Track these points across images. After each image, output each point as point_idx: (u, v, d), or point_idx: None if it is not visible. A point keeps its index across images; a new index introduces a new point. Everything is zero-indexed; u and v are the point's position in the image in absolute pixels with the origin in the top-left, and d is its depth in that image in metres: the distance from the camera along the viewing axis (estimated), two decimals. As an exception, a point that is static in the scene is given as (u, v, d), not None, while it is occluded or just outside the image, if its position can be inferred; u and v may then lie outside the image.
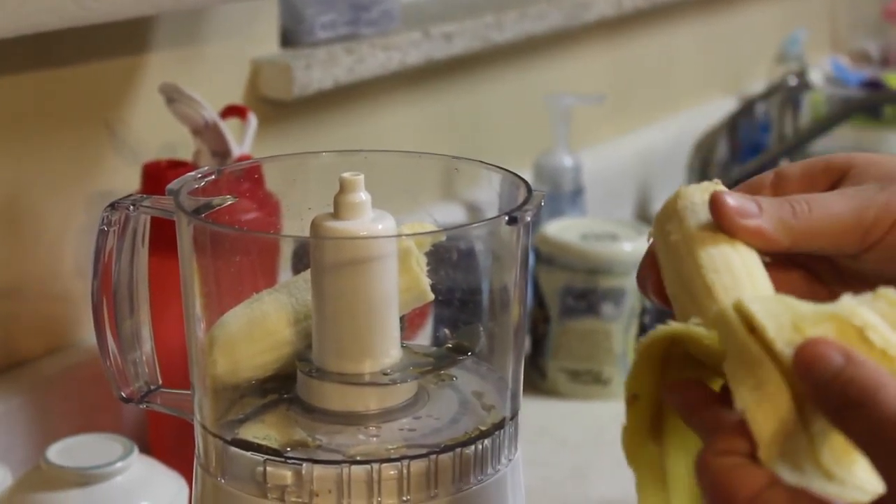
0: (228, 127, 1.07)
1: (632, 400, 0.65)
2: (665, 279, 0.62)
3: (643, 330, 1.30)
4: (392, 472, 0.64)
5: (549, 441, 1.22)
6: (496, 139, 1.60)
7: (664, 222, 0.63)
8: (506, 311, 0.70)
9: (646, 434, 0.66)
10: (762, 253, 0.61)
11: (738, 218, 0.60)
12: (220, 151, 1.07)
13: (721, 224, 0.60)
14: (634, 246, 1.30)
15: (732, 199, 0.60)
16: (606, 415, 1.27)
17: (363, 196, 0.67)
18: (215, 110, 1.07)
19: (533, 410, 1.26)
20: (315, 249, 0.67)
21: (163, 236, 0.73)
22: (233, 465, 0.67)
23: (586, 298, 1.29)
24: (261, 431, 0.66)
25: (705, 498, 0.53)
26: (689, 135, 1.87)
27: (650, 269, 0.64)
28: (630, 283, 1.28)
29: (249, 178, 0.79)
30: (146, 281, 0.73)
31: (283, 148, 1.27)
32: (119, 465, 0.91)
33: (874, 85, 2.15)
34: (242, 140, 1.09)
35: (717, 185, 0.63)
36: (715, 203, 0.60)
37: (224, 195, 0.72)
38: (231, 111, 1.12)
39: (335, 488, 0.64)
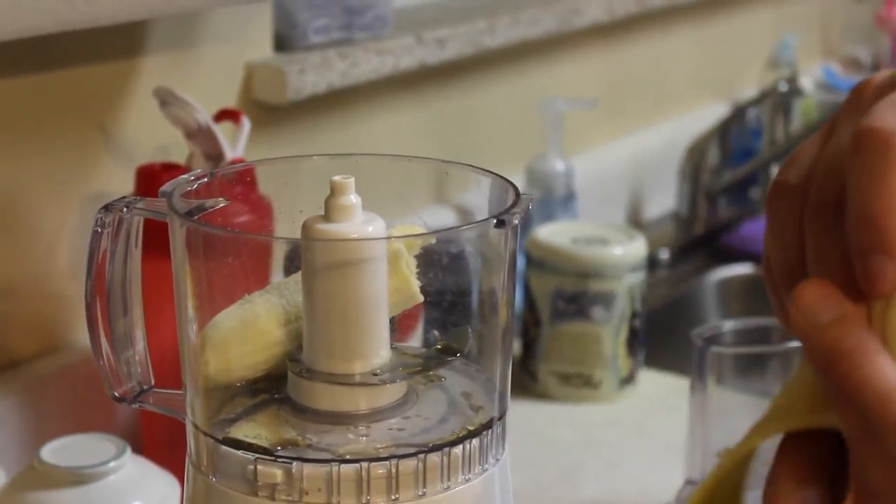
0: (222, 130, 1.08)
1: None
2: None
3: (634, 334, 1.31)
4: (381, 471, 0.65)
5: (539, 443, 1.22)
6: (489, 144, 1.61)
7: None
8: (494, 313, 0.71)
9: None
10: None
11: None
12: (214, 155, 1.07)
13: None
14: (625, 250, 1.31)
15: None
16: (596, 417, 1.28)
17: (353, 199, 0.68)
18: (209, 114, 1.08)
19: (524, 413, 1.27)
20: (306, 251, 0.68)
21: (156, 238, 0.73)
22: (224, 463, 0.67)
23: (577, 302, 1.30)
24: (252, 430, 0.67)
25: None
26: (681, 140, 1.88)
27: None
28: (621, 286, 1.29)
29: (242, 181, 0.80)
30: (139, 282, 0.74)
31: (276, 152, 1.28)
32: (112, 464, 0.92)
33: (865, 91, 2.16)
34: (236, 144, 1.10)
35: None
36: None
37: (217, 198, 0.73)
38: (224, 115, 1.13)
39: (325, 487, 0.65)
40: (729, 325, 1.11)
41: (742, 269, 1.77)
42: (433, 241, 0.71)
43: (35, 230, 1.10)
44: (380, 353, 0.69)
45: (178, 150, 1.10)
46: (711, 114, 1.96)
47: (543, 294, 1.31)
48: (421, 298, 0.71)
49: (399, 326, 0.74)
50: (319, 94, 1.29)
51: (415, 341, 0.77)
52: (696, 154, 1.85)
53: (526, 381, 1.33)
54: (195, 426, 0.69)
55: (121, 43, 1.14)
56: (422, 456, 0.66)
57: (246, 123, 1.12)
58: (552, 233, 1.35)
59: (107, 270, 0.72)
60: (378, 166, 0.82)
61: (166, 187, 0.70)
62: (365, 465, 0.65)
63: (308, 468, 0.65)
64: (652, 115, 1.94)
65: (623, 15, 1.74)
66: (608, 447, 1.23)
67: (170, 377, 0.74)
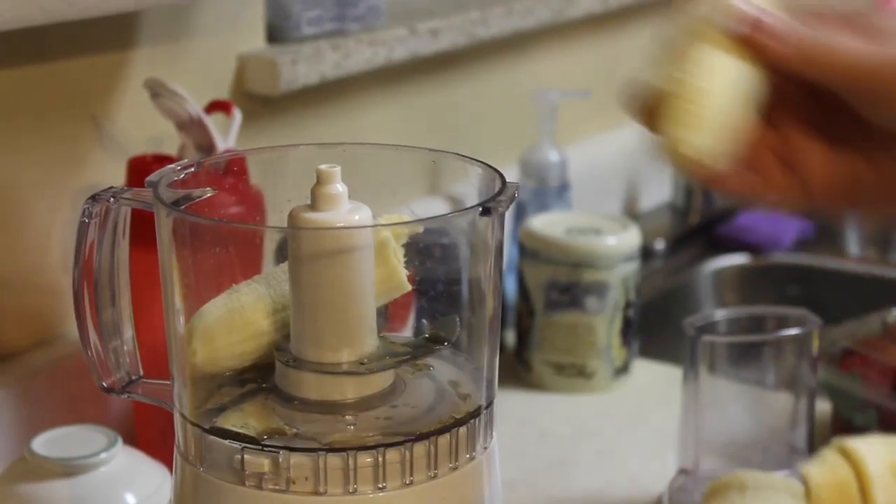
0: (214, 122, 1.08)
1: None
2: None
3: (627, 324, 1.31)
4: (368, 460, 0.65)
5: (532, 433, 1.22)
6: (482, 135, 1.61)
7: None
8: (482, 302, 0.71)
9: None
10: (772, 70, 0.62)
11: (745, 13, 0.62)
12: (205, 146, 1.07)
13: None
14: (618, 240, 1.31)
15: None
16: (589, 408, 1.28)
17: (340, 188, 0.68)
18: (202, 105, 1.08)
19: (517, 403, 1.27)
20: (292, 240, 0.68)
21: (145, 228, 0.73)
22: (211, 453, 0.67)
23: (570, 292, 1.30)
24: (239, 420, 0.67)
25: None
26: (677, 130, 1.87)
27: None
28: (614, 276, 1.29)
29: (230, 170, 0.80)
30: (127, 272, 0.74)
31: (269, 143, 1.28)
32: (103, 455, 0.92)
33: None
34: (227, 135, 1.10)
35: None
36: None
37: (204, 188, 0.73)
38: (216, 106, 1.12)
39: (312, 475, 0.65)
40: (721, 314, 1.11)
41: (738, 259, 1.77)
42: (420, 229, 0.71)
43: (27, 222, 1.10)
44: (367, 342, 0.69)
45: (170, 141, 1.10)
46: (707, 104, 1.95)
47: (537, 284, 1.31)
48: (409, 287, 0.71)
49: (391, 317, 0.74)
50: (312, 85, 1.29)
51: (406, 331, 0.77)
52: (691, 144, 1.84)
53: (520, 372, 1.33)
54: (183, 416, 0.69)
55: (112, 35, 1.14)
56: (408, 444, 0.66)
57: (237, 115, 1.12)
58: (546, 223, 1.35)
59: (94, 261, 0.72)
60: (368, 156, 0.82)
61: (153, 177, 0.70)
62: (352, 453, 0.65)
63: (295, 457, 0.65)
64: (647, 105, 1.93)
65: (616, 6, 1.74)
66: (602, 437, 1.23)
67: (159, 367, 0.75)
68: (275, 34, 1.30)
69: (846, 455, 0.91)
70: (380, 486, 0.66)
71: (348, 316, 0.68)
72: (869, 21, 0.63)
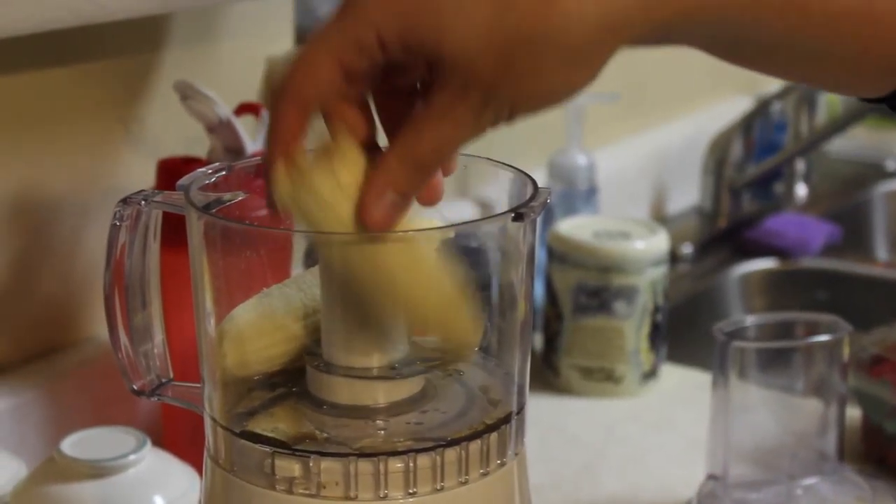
0: (243, 124, 1.08)
1: None
2: None
3: (656, 328, 1.31)
4: (399, 465, 0.65)
5: (560, 438, 1.22)
6: (510, 137, 1.60)
7: None
8: (513, 307, 0.71)
9: None
10: None
11: None
12: (235, 148, 1.07)
13: None
14: (647, 244, 1.30)
15: None
16: (618, 412, 1.28)
17: (371, 192, 0.68)
18: (230, 108, 1.08)
19: (545, 408, 1.27)
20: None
21: (175, 231, 0.73)
22: (242, 457, 0.67)
23: (599, 296, 1.29)
24: (269, 424, 0.67)
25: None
26: (704, 134, 1.87)
27: None
28: (643, 281, 1.29)
29: (261, 173, 0.80)
30: (158, 275, 0.74)
31: (297, 145, 1.28)
32: (132, 457, 0.92)
33: (890, 85, 2.15)
34: (257, 137, 1.10)
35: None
36: None
37: (235, 191, 0.73)
38: (245, 108, 1.12)
39: (342, 481, 0.65)
40: (751, 319, 1.10)
41: (765, 263, 1.76)
42: (452, 234, 0.71)
43: (56, 224, 1.10)
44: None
45: (200, 144, 1.10)
46: (735, 108, 1.95)
47: (565, 288, 1.31)
48: (439, 292, 0.71)
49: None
50: (340, 88, 1.29)
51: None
52: (719, 148, 1.84)
53: (548, 376, 1.33)
54: (213, 419, 0.69)
55: (142, 37, 1.14)
56: (439, 450, 0.66)
57: (266, 117, 1.11)
58: (574, 227, 1.34)
59: (125, 264, 0.72)
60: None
61: (184, 180, 0.70)
62: (382, 459, 0.65)
63: (326, 462, 0.65)
64: (675, 108, 1.93)
65: (646, 8, 1.73)
66: (630, 442, 1.22)
67: (188, 371, 0.74)
68: (304, 36, 1.30)
69: None
70: (410, 491, 0.65)
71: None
72: None
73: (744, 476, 1.05)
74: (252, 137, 1.08)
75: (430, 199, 0.67)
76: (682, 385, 1.33)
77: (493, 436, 0.67)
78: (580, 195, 1.54)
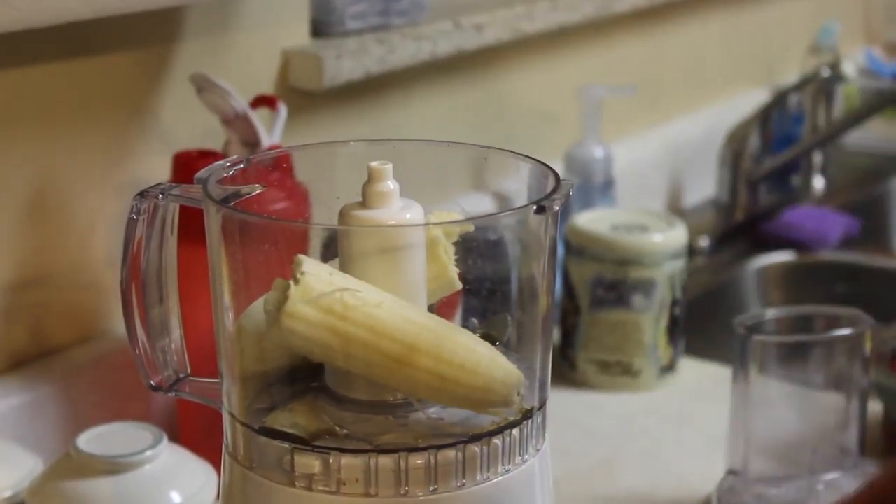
0: (259, 117, 1.07)
1: None
2: None
3: (674, 322, 1.30)
4: (419, 462, 0.64)
5: (578, 432, 1.21)
6: (527, 130, 1.60)
7: None
8: (534, 300, 0.70)
9: None
10: None
11: None
12: (251, 141, 1.07)
13: None
14: (665, 237, 1.29)
15: None
16: (635, 406, 1.27)
17: (391, 185, 0.67)
18: (246, 100, 1.07)
19: (562, 401, 1.26)
20: (343, 238, 0.67)
21: (192, 225, 0.73)
22: (261, 453, 0.67)
23: (616, 289, 1.29)
24: (288, 420, 0.66)
25: None
26: (721, 126, 1.86)
27: None
28: (661, 274, 1.28)
29: (278, 167, 0.79)
30: (175, 269, 0.73)
31: (313, 138, 1.27)
32: (148, 453, 0.92)
33: (908, 76, 2.14)
34: (273, 130, 1.10)
35: None
36: None
37: (253, 184, 0.72)
38: (261, 101, 1.12)
39: (363, 477, 0.64)
40: (771, 313, 1.09)
41: (783, 256, 1.75)
42: (472, 227, 0.70)
43: (71, 217, 1.10)
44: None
45: (215, 136, 1.10)
46: (751, 100, 1.94)
47: (583, 281, 1.30)
48: (459, 286, 0.71)
49: (437, 314, 0.73)
50: (356, 80, 1.28)
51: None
52: (736, 141, 1.82)
53: (565, 370, 1.32)
54: (231, 415, 0.69)
55: (157, 29, 1.14)
56: (461, 446, 0.65)
57: (283, 110, 1.11)
58: (591, 220, 1.33)
59: (142, 258, 0.72)
60: (415, 152, 0.81)
61: (202, 173, 0.69)
62: (403, 455, 0.64)
63: (346, 458, 0.64)
64: (692, 101, 1.92)
65: (662, 1, 1.73)
66: (648, 436, 1.21)
67: (206, 366, 0.74)
68: (319, 29, 1.30)
69: None
70: (432, 488, 0.65)
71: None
72: None
73: (764, 471, 1.04)
74: (268, 130, 1.08)
75: None
76: (700, 379, 1.32)
77: (516, 432, 0.67)
78: (597, 188, 1.53)
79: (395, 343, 0.64)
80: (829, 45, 2.10)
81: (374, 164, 0.67)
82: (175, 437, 1.02)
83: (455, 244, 0.70)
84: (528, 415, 0.68)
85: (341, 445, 0.65)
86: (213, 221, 0.68)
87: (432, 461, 0.64)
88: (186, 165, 1.05)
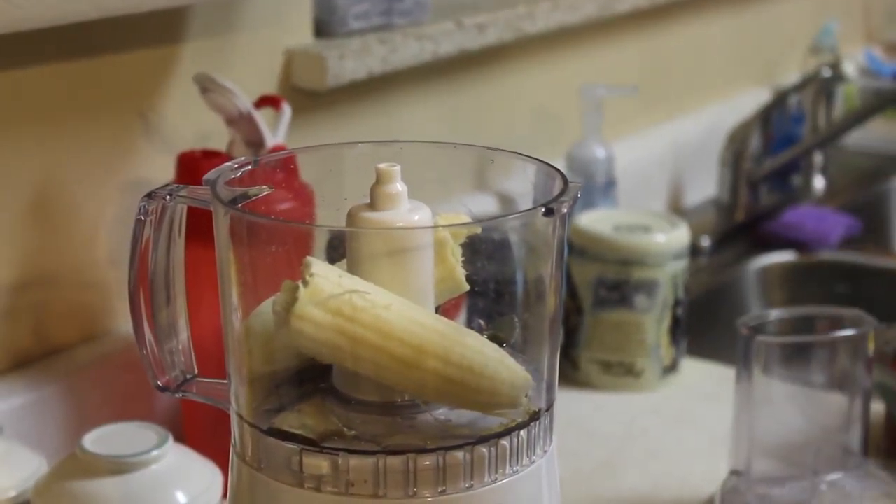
0: (262, 117, 1.07)
1: None
2: None
3: (676, 322, 1.30)
4: (428, 463, 0.64)
5: (580, 432, 1.21)
6: (528, 129, 1.60)
7: None
8: (541, 302, 0.70)
9: None
10: None
11: None
12: (255, 141, 1.07)
13: None
14: (667, 237, 1.29)
15: None
16: (638, 407, 1.27)
17: (399, 187, 0.67)
18: (249, 100, 1.07)
19: (565, 401, 1.26)
20: (351, 240, 0.67)
21: (199, 226, 0.73)
22: (269, 454, 0.67)
23: (619, 290, 1.29)
24: (297, 421, 0.66)
25: None
26: (722, 126, 1.86)
27: None
28: (663, 274, 1.28)
29: (285, 168, 0.79)
30: (182, 270, 0.73)
31: (316, 138, 1.27)
32: (154, 453, 0.92)
33: (908, 76, 2.14)
34: (276, 130, 1.10)
35: None
36: None
37: (260, 185, 0.72)
38: (265, 101, 1.12)
39: (371, 479, 0.64)
40: (774, 314, 1.09)
41: (783, 256, 1.75)
42: (479, 229, 0.70)
43: (74, 217, 1.10)
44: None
45: (219, 136, 1.10)
46: (753, 100, 1.94)
47: (585, 282, 1.30)
48: (467, 287, 0.71)
49: (442, 315, 0.73)
50: (359, 80, 1.28)
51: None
52: (737, 140, 1.83)
53: (567, 370, 1.32)
54: (240, 416, 0.69)
55: (161, 29, 1.14)
56: (469, 447, 0.65)
57: (287, 109, 1.11)
58: (594, 220, 1.33)
59: (150, 259, 0.71)
60: (421, 153, 0.81)
61: (210, 175, 0.69)
62: (412, 456, 0.64)
63: (354, 460, 0.64)
64: (693, 101, 1.92)
65: (663, 0, 1.73)
66: (650, 437, 1.21)
67: (213, 366, 0.74)
68: (322, 29, 1.30)
69: None
70: (440, 489, 0.65)
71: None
72: None
73: (767, 471, 1.05)
74: (272, 130, 1.08)
75: None
76: (703, 379, 1.32)
77: (523, 433, 0.67)
78: (598, 188, 1.53)
79: (404, 345, 0.64)
80: (829, 45, 2.11)
81: (382, 165, 0.67)
82: (180, 437, 1.02)
83: (462, 246, 0.70)
84: (535, 416, 0.68)
85: (350, 447, 0.65)
86: (221, 223, 0.68)
87: (440, 462, 0.64)
88: (190, 165, 1.05)
